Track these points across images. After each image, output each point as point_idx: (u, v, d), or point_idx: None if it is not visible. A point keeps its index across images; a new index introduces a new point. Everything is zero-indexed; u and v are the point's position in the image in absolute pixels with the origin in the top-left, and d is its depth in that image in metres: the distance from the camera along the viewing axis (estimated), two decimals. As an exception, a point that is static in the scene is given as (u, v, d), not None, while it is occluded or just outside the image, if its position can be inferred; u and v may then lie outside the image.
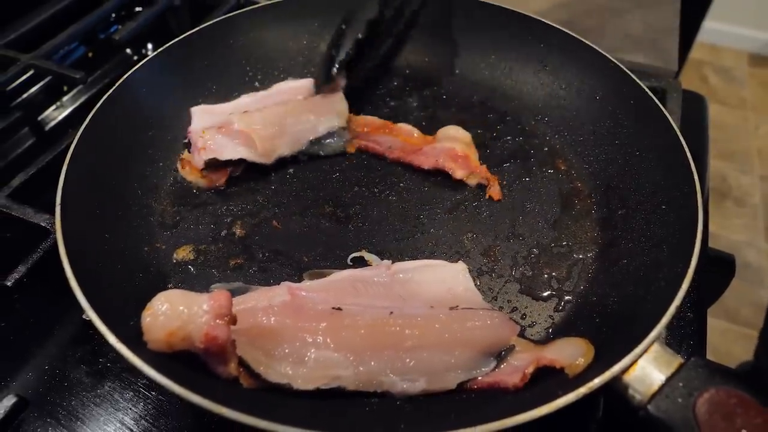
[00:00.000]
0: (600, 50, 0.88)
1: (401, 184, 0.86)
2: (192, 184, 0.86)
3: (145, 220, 0.79)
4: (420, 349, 0.57)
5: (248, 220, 0.82)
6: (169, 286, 0.71)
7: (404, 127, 0.92)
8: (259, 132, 0.85)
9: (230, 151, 0.84)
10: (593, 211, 0.80)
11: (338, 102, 0.98)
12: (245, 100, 1.00)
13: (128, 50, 1.15)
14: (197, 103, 0.92)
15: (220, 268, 0.75)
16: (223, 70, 0.98)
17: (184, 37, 0.93)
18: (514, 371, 0.57)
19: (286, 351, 0.57)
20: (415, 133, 0.90)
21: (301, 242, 0.78)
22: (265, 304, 0.61)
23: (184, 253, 0.77)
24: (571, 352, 0.57)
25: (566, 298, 0.71)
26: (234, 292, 0.58)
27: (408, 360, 0.57)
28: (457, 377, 0.57)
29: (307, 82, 1.01)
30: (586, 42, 0.91)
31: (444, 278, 0.66)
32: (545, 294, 0.72)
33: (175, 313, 0.51)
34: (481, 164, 0.86)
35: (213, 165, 0.84)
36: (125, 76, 0.83)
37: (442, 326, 0.58)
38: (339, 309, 0.62)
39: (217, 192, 0.85)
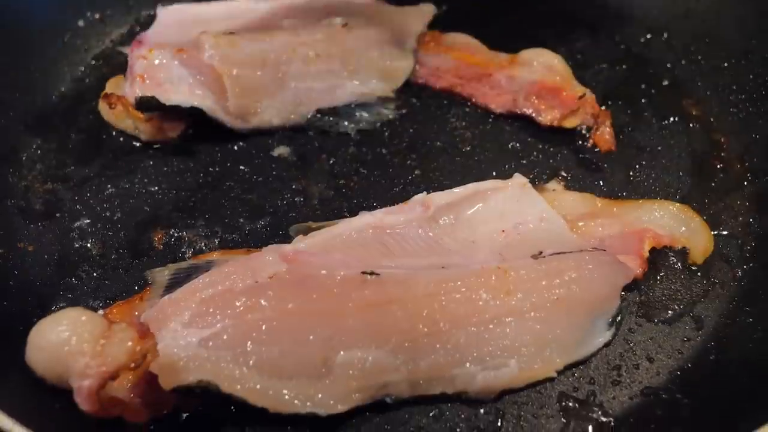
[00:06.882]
0: None
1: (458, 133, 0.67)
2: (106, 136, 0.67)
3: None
4: (500, 323, 0.49)
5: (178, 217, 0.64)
6: (55, 307, 0.55)
7: (460, 38, 0.68)
8: (238, 77, 0.62)
9: (182, 92, 0.62)
10: (745, 181, 0.63)
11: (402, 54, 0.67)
12: (244, 4, 0.70)
13: None
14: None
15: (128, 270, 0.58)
16: None
17: None
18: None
19: (291, 359, 0.45)
20: (480, 48, 0.67)
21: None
22: (247, 282, 0.48)
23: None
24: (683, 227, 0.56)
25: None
26: (193, 271, 0.50)
27: (486, 336, 0.48)
28: (560, 353, 0.49)
29: None
30: None
31: (503, 209, 0.57)
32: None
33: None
34: (581, 97, 0.66)
35: (149, 109, 0.62)
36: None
37: (525, 284, 0.51)
38: (374, 274, 0.48)
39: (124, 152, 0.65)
